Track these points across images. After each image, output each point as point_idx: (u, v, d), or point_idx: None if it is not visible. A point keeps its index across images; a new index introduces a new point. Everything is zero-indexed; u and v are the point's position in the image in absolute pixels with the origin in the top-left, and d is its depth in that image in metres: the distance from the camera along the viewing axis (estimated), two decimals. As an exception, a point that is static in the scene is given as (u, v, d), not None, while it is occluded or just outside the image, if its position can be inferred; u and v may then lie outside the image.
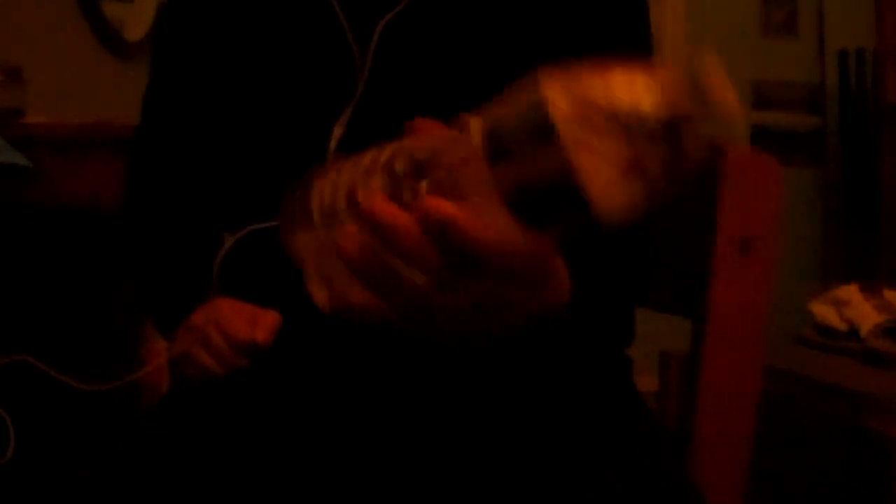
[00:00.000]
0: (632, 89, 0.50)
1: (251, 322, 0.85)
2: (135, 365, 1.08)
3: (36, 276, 1.78)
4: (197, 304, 0.90)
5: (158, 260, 0.98)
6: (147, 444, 0.82)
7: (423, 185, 0.54)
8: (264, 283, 0.88)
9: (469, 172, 0.53)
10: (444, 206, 0.52)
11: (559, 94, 0.50)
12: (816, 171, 3.81)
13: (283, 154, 0.90)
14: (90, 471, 0.80)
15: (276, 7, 0.92)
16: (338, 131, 0.86)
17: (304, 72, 0.90)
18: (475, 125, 0.53)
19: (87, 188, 1.69)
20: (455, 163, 0.53)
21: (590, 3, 0.89)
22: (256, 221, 0.88)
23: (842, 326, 1.92)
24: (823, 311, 1.95)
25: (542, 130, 0.50)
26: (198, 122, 0.96)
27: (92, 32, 2.45)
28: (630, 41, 0.90)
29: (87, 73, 2.40)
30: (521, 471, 0.78)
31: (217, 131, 0.94)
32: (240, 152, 0.93)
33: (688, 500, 0.81)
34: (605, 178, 0.50)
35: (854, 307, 1.92)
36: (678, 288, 1.01)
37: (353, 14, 0.88)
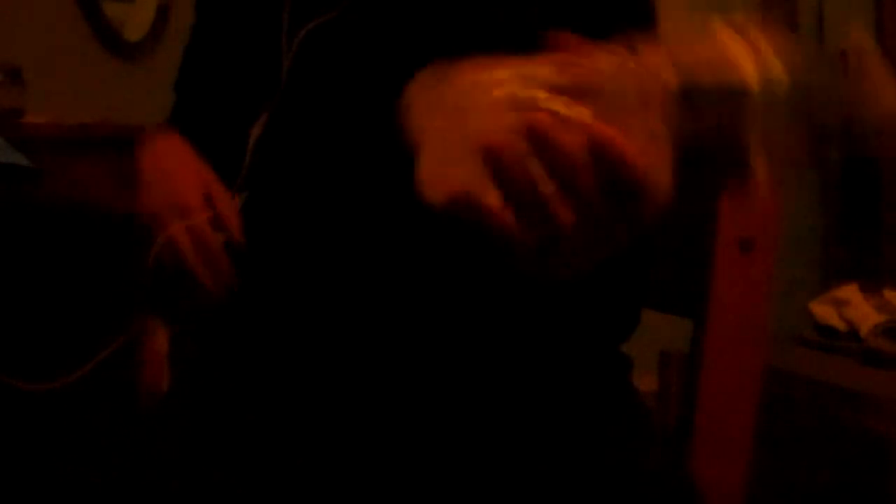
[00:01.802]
0: (816, 77, 0.51)
1: (205, 252, 0.84)
2: (134, 365, 1.08)
3: (36, 276, 1.78)
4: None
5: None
6: (147, 444, 0.82)
7: (586, 110, 0.51)
8: (252, 281, 0.88)
9: (649, 108, 0.51)
10: (613, 132, 0.49)
11: (754, 70, 0.51)
12: (816, 171, 3.81)
13: (216, 147, 0.92)
14: (91, 471, 0.80)
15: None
16: (256, 131, 0.87)
17: (243, 66, 0.93)
18: (666, 67, 0.51)
19: (87, 188, 1.69)
20: (640, 96, 0.51)
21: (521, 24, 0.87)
22: None
23: (842, 326, 1.92)
24: (823, 311, 1.96)
25: (737, 95, 0.50)
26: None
27: (92, 32, 2.45)
28: None
29: (87, 73, 2.40)
30: (519, 471, 0.78)
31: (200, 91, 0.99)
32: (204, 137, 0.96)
33: (688, 500, 0.81)
34: (765, 157, 0.51)
35: (854, 307, 1.92)
36: (678, 288, 1.01)
37: (296, 16, 0.89)
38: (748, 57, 0.51)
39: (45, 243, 1.77)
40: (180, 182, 0.87)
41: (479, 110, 0.53)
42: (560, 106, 0.51)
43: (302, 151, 0.87)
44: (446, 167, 0.54)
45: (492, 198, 0.52)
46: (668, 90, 0.51)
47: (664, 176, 0.51)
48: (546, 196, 0.51)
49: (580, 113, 0.51)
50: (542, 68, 0.53)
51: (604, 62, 0.53)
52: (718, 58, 0.51)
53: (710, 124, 0.51)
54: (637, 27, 0.84)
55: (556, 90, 0.52)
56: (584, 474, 0.77)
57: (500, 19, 0.84)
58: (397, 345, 0.82)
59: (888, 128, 0.52)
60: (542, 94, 0.52)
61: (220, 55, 0.97)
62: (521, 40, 0.82)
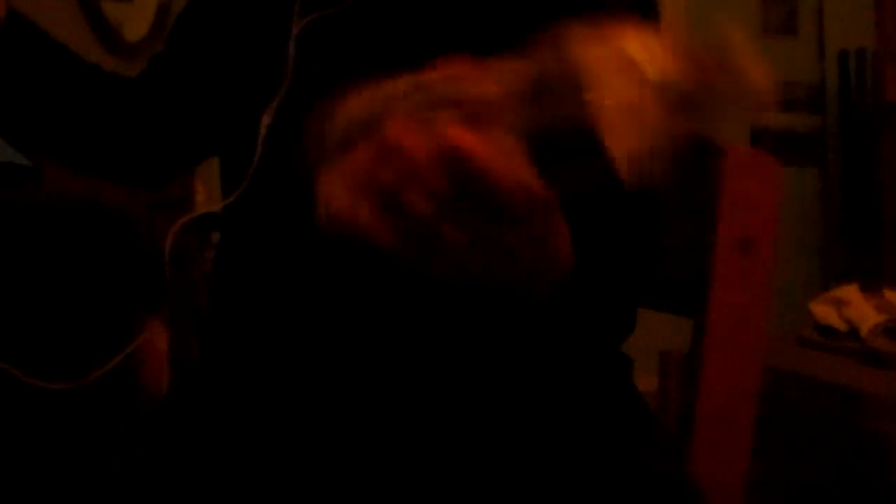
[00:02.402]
0: (663, 52, 0.52)
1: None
2: (134, 365, 1.08)
3: (35, 276, 1.78)
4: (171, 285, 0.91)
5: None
6: (147, 445, 0.82)
7: (443, 114, 0.54)
8: (258, 277, 0.88)
9: (493, 107, 0.53)
10: (462, 134, 0.51)
11: (587, 44, 0.52)
12: (816, 171, 3.81)
13: (221, 132, 0.94)
14: (91, 470, 0.80)
15: None
16: (266, 119, 0.88)
17: (250, 55, 0.93)
18: (506, 67, 0.53)
19: (87, 188, 1.69)
20: (480, 96, 0.53)
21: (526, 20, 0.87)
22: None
23: (842, 326, 1.92)
24: (823, 311, 1.95)
25: (572, 78, 0.52)
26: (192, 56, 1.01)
27: (92, 32, 2.45)
28: None
29: (86, 73, 2.40)
30: (519, 470, 0.78)
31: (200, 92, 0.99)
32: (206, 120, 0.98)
33: (688, 500, 0.81)
34: (623, 129, 0.51)
35: (854, 307, 1.92)
36: (678, 288, 1.01)
37: (307, 7, 0.89)
38: (586, 39, 0.53)
39: (45, 243, 1.77)
40: None
41: (349, 132, 0.57)
42: (417, 117, 0.54)
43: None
44: (333, 203, 0.57)
45: (363, 213, 0.55)
46: (506, 81, 0.53)
47: (522, 171, 0.53)
48: (405, 200, 0.53)
49: (437, 122, 0.53)
50: (399, 84, 0.56)
51: (468, 74, 0.55)
52: (553, 49, 0.53)
53: (552, 109, 0.52)
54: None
55: (416, 102, 0.55)
56: (584, 474, 0.77)
57: (500, 11, 0.85)
58: (399, 345, 0.82)
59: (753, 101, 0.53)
60: (401, 110, 0.55)
61: (215, 47, 0.97)
62: (521, 31, 0.83)
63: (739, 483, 0.96)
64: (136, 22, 2.55)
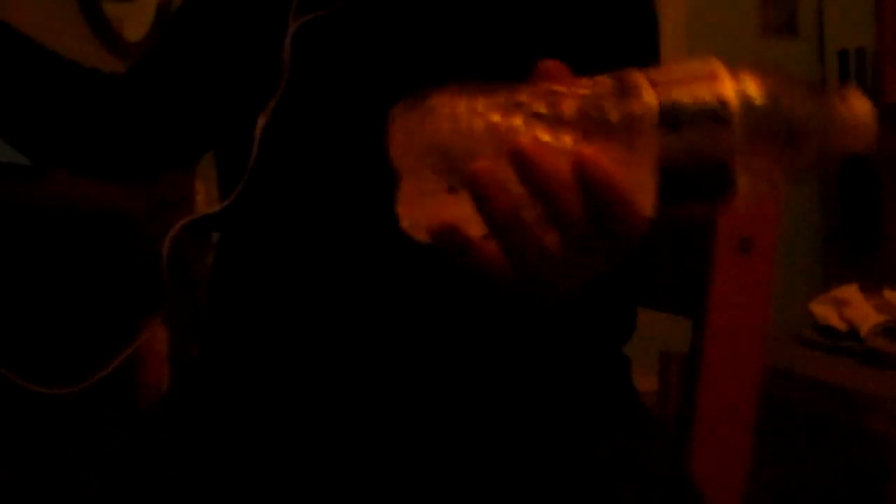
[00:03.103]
0: (812, 97, 0.53)
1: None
2: (133, 365, 1.08)
3: (35, 276, 1.78)
4: (170, 288, 0.91)
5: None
6: (147, 445, 0.82)
7: (577, 134, 0.52)
8: (257, 278, 0.88)
9: (631, 134, 0.51)
10: (602, 159, 0.49)
11: (733, 80, 0.52)
12: (816, 171, 3.80)
13: (219, 135, 0.94)
14: (91, 470, 0.80)
15: None
16: (261, 120, 0.87)
17: (245, 55, 0.93)
18: (647, 89, 0.52)
19: (88, 188, 1.69)
20: (622, 119, 0.52)
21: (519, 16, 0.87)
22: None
23: (842, 326, 1.92)
24: (823, 311, 1.95)
25: (718, 111, 0.51)
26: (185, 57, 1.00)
27: (92, 32, 2.45)
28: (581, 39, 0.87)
29: (86, 73, 2.40)
30: (519, 471, 0.78)
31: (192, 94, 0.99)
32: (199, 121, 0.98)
33: (688, 500, 0.81)
34: (754, 175, 0.52)
35: (854, 307, 1.92)
36: (678, 288, 1.01)
37: (301, 7, 0.89)
38: (726, 75, 0.52)
39: (45, 243, 1.77)
40: None
41: (459, 140, 0.52)
42: (541, 132, 0.52)
43: (306, 142, 0.87)
44: (426, 200, 0.54)
45: (475, 230, 0.52)
46: (649, 110, 0.51)
47: (647, 198, 0.52)
48: (530, 222, 0.51)
49: (561, 138, 0.51)
50: (520, 96, 0.53)
51: (583, 87, 0.53)
52: (697, 77, 0.52)
53: (691, 144, 0.51)
54: (639, 59, 0.85)
55: (536, 118, 0.52)
56: (584, 474, 0.77)
57: (497, 20, 0.84)
58: (398, 345, 0.82)
59: (859, 153, 0.54)
60: (521, 122, 0.52)
61: (208, 44, 0.97)
62: (515, 41, 0.83)
63: (739, 483, 0.96)
64: (136, 22, 2.55)
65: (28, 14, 2.30)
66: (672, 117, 0.51)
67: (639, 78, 0.53)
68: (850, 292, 1.96)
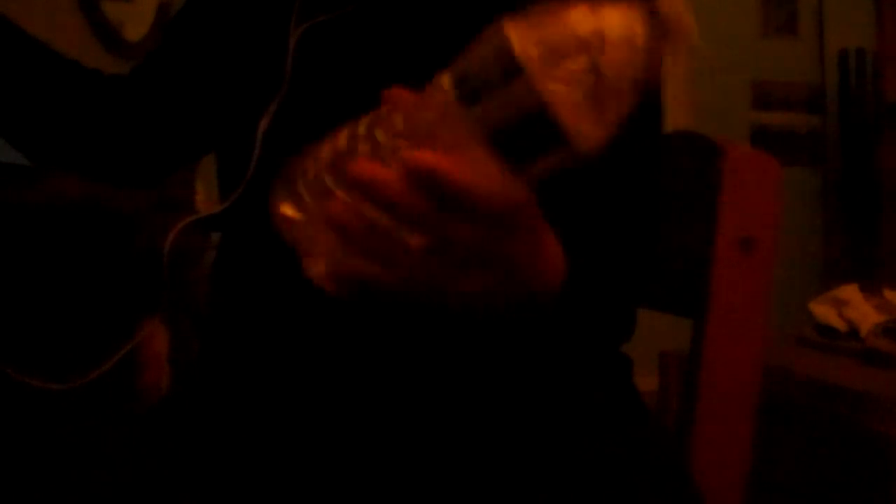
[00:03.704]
0: (592, 17, 0.52)
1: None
2: (133, 365, 1.08)
3: (35, 276, 1.78)
4: (170, 286, 0.91)
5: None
6: (147, 444, 0.82)
7: (403, 143, 0.54)
8: (258, 278, 0.88)
9: (445, 122, 0.53)
10: (425, 155, 0.52)
11: (522, 32, 0.52)
12: (816, 171, 3.81)
13: (221, 136, 0.94)
14: (92, 470, 0.80)
15: None
16: (263, 124, 0.87)
17: (248, 58, 0.93)
18: (445, 78, 0.53)
19: (87, 188, 1.69)
20: (430, 116, 0.54)
21: None
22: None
23: (842, 326, 1.92)
24: (823, 311, 1.95)
25: (510, 67, 0.51)
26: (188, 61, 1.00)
27: (92, 32, 2.45)
28: None
29: (87, 73, 2.40)
30: (519, 470, 0.78)
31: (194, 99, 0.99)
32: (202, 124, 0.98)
33: (688, 500, 0.81)
34: (574, 105, 0.51)
35: (854, 307, 1.92)
36: (678, 288, 1.00)
37: (305, 10, 0.89)
38: (509, 27, 0.52)
39: (45, 243, 1.77)
40: None
41: (315, 191, 0.57)
42: (379, 155, 0.55)
43: (307, 144, 0.87)
44: (319, 256, 0.58)
45: (356, 265, 0.55)
46: (446, 93, 0.53)
47: (491, 171, 0.53)
48: (389, 230, 0.54)
49: (397, 153, 0.54)
50: (359, 128, 0.57)
51: (407, 101, 0.56)
52: (484, 41, 0.53)
53: (500, 105, 0.52)
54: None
55: (374, 146, 0.55)
56: (584, 474, 0.77)
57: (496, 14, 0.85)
58: (398, 346, 0.82)
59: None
60: (365, 153, 0.55)
61: (210, 46, 0.97)
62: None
63: (739, 483, 0.96)
64: (136, 22, 2.55)
65: (28, 14, 2.30)
66: (469, 89, 0.52)
67: (443, 71, 0.54)
68: (850, 292, 1.96)
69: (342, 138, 0.57)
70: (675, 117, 3.49)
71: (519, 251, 0.57)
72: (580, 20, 0.52)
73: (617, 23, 0.52)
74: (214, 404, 0.87)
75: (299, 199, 0.58)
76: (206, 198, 1.88)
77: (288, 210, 0.59)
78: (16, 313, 1.67)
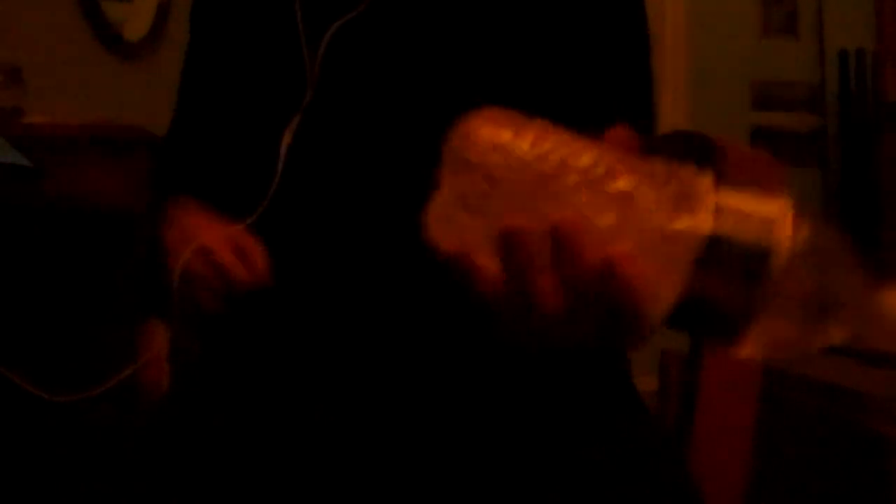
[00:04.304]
0: (840, 276, 0.51)
1: (239, 254, 0.84)
2: (133, 367, 1.08)
3: (35, 276, 1.78)
4: (178, 307, 0.89)
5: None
6: (147, 445, 0.82)
7: (620, 219, 0.51)
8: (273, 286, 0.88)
9: (673, 249, 0.50)
10: (633, 266, 0.50)
11: (785, 240, 0.50)
12: (816, 171, 3.81)
13: (243, 157, 0.91)
14: (91, 470, 0.80)
15: (252, 8, 0.93)
16: (287, 137, 0.87)
17: (262, 74, 0.92)
18: (705, 212, 0.50)
19: (87, 188, 1.69)
20: (667, 229, 0.50)
21: (544, 14, 0.87)
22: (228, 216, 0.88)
23: (842, 326, 1.92)
24: (823, 311, 1.95)
25: (755, 277, 0.49)
26: (197, 112, 0.98)
27: (92, 32, 2.45)
28: (593, 42, 0.88)
29: (87, 73, 2.40)
30: (519, 470, 0.78)
31: (206, 124, 0.97)
32: (218, 149, 0.95)
33: (687, 500, 0.81)
34: (763, 339, 0.51)
35: (854, 307, 1.92)
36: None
37: (311, 18, 0.89)
38: (786, 227, 0.50)
39: (45, 243, 1.77)
40: (205, 228, 0.87)
41: (510, 183, 0.52)
42: (586, 203, 0.51)
43: (337, 153, 0.87)
44: (457, 220, 0.54)
45: (489, 265, 0.52)
46: (695, 237, 0.50)
47: (659, 309, 0.51)
48: (542, 289, 0.51)
49: (604, 215, 0.51)
50: (587, 154, 0.52)
51: (648, 169, 0.52)
52: (756, 218, 0.50)
53: (722, 284, 0.50)
54: (634, 88, 0.86)
55: (588, 185, 0.51)
56: (584, 474, 0.77)
57: (516, 11, 0.85)
58: (400, 346, 0.82)
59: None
60: (572, 184, 0.51)
61: (225, 70, 0.95)
62: (538, 28, 0.84)
63: (739, 483, 0.96)
64: (136, 22, 2.55)
65: (28, 14, 2.30)
66: (714, 253, 0.50)
67: (706, 191, 0.51)
68: (850, 292, 1.95)
69: (565, 150, 0.52)
70: (675, 117, 3.49)
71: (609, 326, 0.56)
72: (828, 254, 0.50)
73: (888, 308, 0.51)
74: (215, 404, 0.87)
75: (485, 172, 0.53)
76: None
77: (457, 170, 0.53)
78: (15, 314, 1.67)
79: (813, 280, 0.50)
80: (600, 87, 0.87)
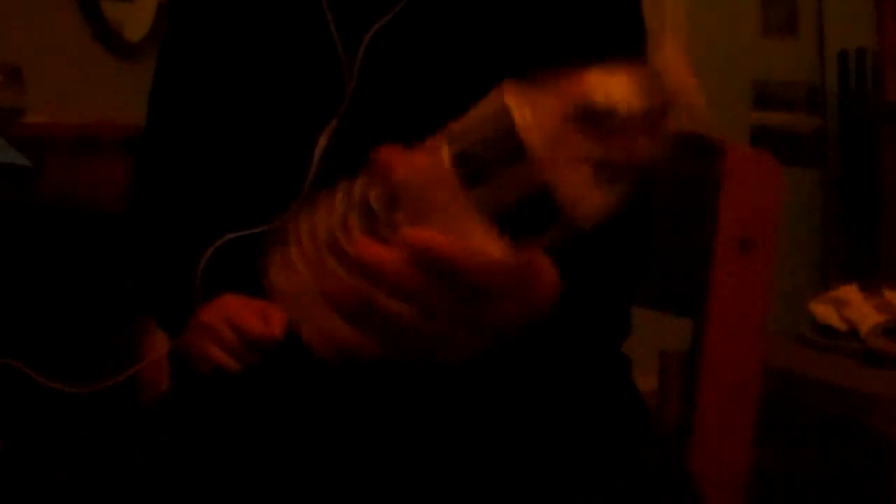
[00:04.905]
0: (595, 88, 0.50)
1: (262, 316, 0.85)
2: (133, 365, 1.08)
3: (36, 276, 1.78)
4: (198, 303, 0.90)
5: (161, 259, 0.98)
6: (147, 444, 0.82)
7: (400, 215, 0.53)
8: (252, 291, 0.88)
9: (443, 197, 0.52)
10: (426, 235, 0.51)
11: (523, 105, 0.50)
12: (816, 171, 3.81)
13: (271, 162, 0.90)
14: (91, 470, 0.80)
15: (272, 12, 0.92)
16: (322, 141, 0.86)
17: (292, 80, 0.90)
18: (443, 148, 0.52)
19: (88, 188, 1.69)
20: (428, 189, 0.52)
21: (580, 11, 0.88)
22: (247, 225, 0.88)
23: (842, 326, 1.92)
24: (823, 311, 1.95)
25: (511, 146, 0.50)
26: (197, 125, 0.95)
27: (92, 32, 2.45)
28: (623, 41, 0.89)
29: (87, 73, 2.40)
30: (520, 471, 0.78)
31: (214, 134, 0.94)
32: (234, 156, 0.93)
33: (688, 500, 0.81)
34: (578, 185, 0.50)
35: (854, 307, 1.92)
36: (678, 288, 1.01)
37: (343, 22, 0.88)
38: (513, 102, 0.50)
39: (45, 243, 1.77)
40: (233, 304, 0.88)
41: (310, 262, 0.56)
42: (375, 226, 0.54)
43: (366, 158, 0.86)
44: (318, 329, 0.57)
45: (354, 338, 0.55)
46: (445, 170, 0.51)
47: (490, 247, 0.52)
48: (392, 311, 0.54)
49: (395, 223, 0.53)
50: (347, 189, 0.56)
51: (405, 164, 0.54)
52: (486, 116, 0.51)
53: (500, 186, 0.51)
54: (626, 47, 0.86)
55: (368, 214, 0.54)
56: (584, 474, 0.77)
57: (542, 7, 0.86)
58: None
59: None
60: (355, 223, 0.54)
61: (226, 75, 0.93)
62: (567, 23, 0.84)
63: (739, 482, 0.96)
64: (136, 22, 2.55)
65: (28, 14, 2.30)
66: (470, 169, 0.51)
67: (439, 138, 0.52)
68: (850, 292, 1.95)
69: (337, 203, 0.56)
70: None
71: (510, 308, 0.57)
72: (583, 92, 0.50)
73: (620, 94, 0.50)
74: (214, 404, 0.87)
75: (292, 269, 0.57)
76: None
77: (281, 279, 0.58)
78: (15, 313, 1.67)
79: (571, 123, 0.50)
80: None
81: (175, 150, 0.98)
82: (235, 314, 0.86)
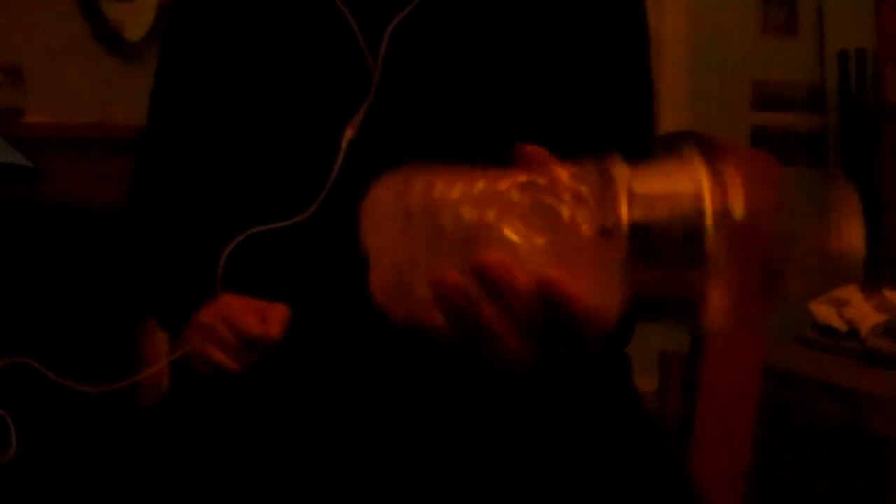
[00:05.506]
0: (781, 222, 0.49)
1: (261, 316, 0.85)
2: (134, 365, 1.08)
3: (36, 276, 1.78)
4: (202, 303, 0.90)
5: (163, 260, 0.98)
6: (147, 444, 0.82)
7: (541, 242, 0.51)
8: (269, 285, 0.88)
9: (602, 248, 0.49)
10: (569, 288, 0.50)
11: (716, 197, 0.48)
12: (816, 171, 3.81)
13: (292, 156, 0.89)
14: (91, 470, 0.80)
15: (283, 9, 0.92)
16: (349, 133, 0.86)
17: (312, 75, 0.90)
18: (622, 203, 0.49)
19: (88, 188, 1.69)
20: (592, 233, 0.50)
21: (592, 7, 0.89)
22: (263, 222, 0.87)
23: (842, 326, 1.92)
24: (823, 311, 1.95)
25: (694, 251, 0.48)
26: (204, 124, 0.95)
27: (92, 32, 2.46)
28: (629, 36, 0.90)
29: (87, 73, 2.40)
30: (520, 471, 0.78)
31: (224, 133, 0.94)
32: (247, 154, 0.92)
33: (688, 500, 0.81)
34: (725, 306, 0.49)
35: (854, 307, 1.92)
36: (678, 288, 1.00)
37: (362, 15, 0.88)
38: (708, 196, 0.49)
39: (45, 243, 1.77)
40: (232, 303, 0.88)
41: (432, 237, 0.53)
42: (512, 231, 0.51)
43: (401, 150, 0.86)
44: (398, 285, 0.54)
45: (438, 320, 0.53)
46: (620, 230, 0.49)
47: (610, 309, 0.51)
48: (486, 325, 0.52)
49: (532, 238, 0.51)
50: (500, 184, 0.53)
51: (562, 180, 0.52)
52: (676, 195, 0.49)
53: (661, 268, 0.49)
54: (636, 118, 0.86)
55: (509, 211, 0.52)
56: (584, 474, 0.77)
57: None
58: (400, 348, 0.82)
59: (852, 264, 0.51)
60: (494, 217, 0.52)
61: (232, 75, 0.92)
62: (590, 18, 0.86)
63: (739, 482, 0.96)
64: (136, 22, 2.55)
65: (28, 14, 2.30)
66: (643, 241, 0.49)
67: (619, 185, 0.50)
68: (850, 292, 1.96)
69: (476, 192, 0.52)
70: (675, 117, 3.49)
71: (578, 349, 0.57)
72: (766, 210, 0.48)
73: (843, 240, 0.49)
74: (214, 404, 0.87)
75: (406, 224, 0.54)
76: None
77: (387, 227, 0.54)
78: (14, 313, 1.67)
79: (761, 241, 0.48)
80: (602, 92, 0.87)
81: (180, 148, 0.98)
82: (234, 314, 0.86)
